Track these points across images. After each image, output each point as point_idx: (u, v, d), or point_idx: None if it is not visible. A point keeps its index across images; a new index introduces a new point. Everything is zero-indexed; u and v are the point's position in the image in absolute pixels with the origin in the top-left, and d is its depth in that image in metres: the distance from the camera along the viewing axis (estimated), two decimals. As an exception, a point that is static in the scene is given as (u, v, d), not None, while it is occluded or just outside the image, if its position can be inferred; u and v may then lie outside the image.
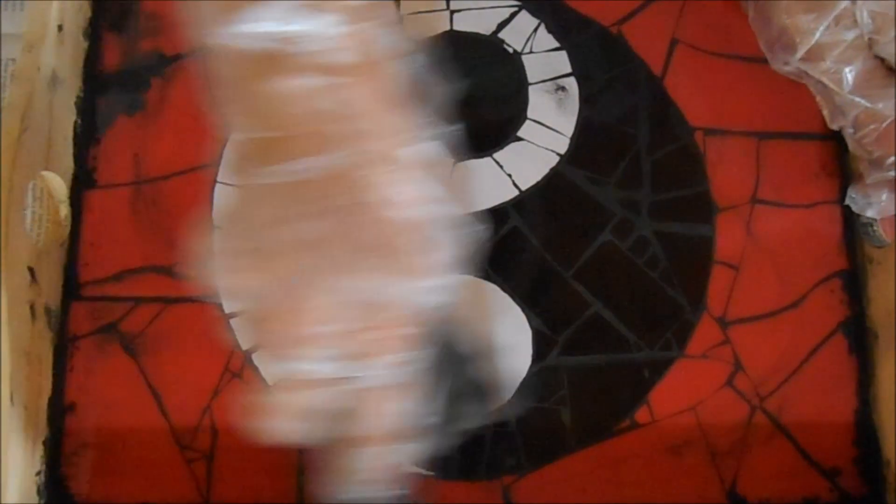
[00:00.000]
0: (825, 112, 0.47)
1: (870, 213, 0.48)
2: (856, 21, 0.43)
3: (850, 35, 0.43)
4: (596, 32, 0.52)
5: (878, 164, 0.46)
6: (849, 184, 0.49)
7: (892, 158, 0.44)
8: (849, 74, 0.43)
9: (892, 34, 0.43)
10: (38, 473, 0.46)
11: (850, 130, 0.45)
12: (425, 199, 0.33)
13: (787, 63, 0.45)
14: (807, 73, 0.45)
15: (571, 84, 0.51)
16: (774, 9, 0.45)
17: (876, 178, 0.46)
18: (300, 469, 0.47)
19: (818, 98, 0.47)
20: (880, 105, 0.43)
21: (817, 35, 0.43)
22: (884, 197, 0.47)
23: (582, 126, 0.51)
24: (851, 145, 0.46)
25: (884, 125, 0.44)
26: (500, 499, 0.47)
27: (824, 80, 0.44)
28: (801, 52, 0.44)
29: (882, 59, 0.44)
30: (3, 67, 0.53)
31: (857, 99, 0.44)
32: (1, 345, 0.43)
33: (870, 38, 0.43)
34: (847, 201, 0.49)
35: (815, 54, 0.44)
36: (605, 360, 0.48)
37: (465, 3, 0.52)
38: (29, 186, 0.46)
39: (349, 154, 0.32)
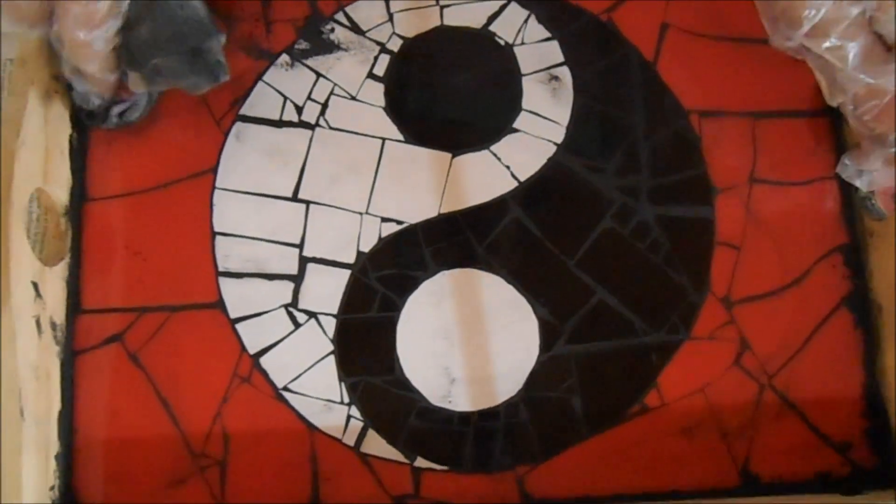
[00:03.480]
0: (824, 88, 0.47)
1: (859, 183, 0.48)
2: None
3: (854, 11, 0.43)
4: (586, 21, 0.52)
5: (879, 140, 0.46)
6: (845, 158, 0.50)
7: (894, 135, 0.44)
8: (851, 51, 0.43)
9: (893, 12, 0.43)
10: (51, 488, 0.46)
11: (851, 107, 0.45)
12: None
13: (789, 39, 0.45)
14: (808, 50, 0.45)
15: (564, 73, 0.51)
16: None
17: (878, 155, 0.46)
18: (314, 473, 0.48)
19: (817, 74, 0.47)
20: (881, 81, 0.43)
21: (823, 11, 0.43)
22: (877, 166, 0.47)
23: (577, 114, 0.51)
24: (853, 122, 0.46)
25: (884, 101, 0.44)
26: (515, 490, 0.47)
27: (827, 56, 0.44)
28: (806, 28, 0.44)
29: (880, 36, 0.44)
30: (2, 67, 0.53)
31: (860, 75, 0.44)
32: (6, 360, 0.43)
33: (871, 16, 0.43)
34: (839, 168, 0.49)
35: (819, 30, 0.43)
36: (612, 346, 0.48)
37: (454, -3, 0.52)
38: (28, 201, 0.46)
39: None
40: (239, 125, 0.51)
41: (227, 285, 0.49)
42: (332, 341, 0.48)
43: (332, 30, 0.52)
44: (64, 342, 0.48)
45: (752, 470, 0.48)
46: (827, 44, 0.43)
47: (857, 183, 0.48)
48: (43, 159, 0.48)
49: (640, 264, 0.49)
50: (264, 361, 0.48)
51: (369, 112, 0.51)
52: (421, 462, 0.48)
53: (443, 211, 0.50)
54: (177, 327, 0.49)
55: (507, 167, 0.50)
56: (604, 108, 0.51)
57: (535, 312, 0.49)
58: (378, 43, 0.51)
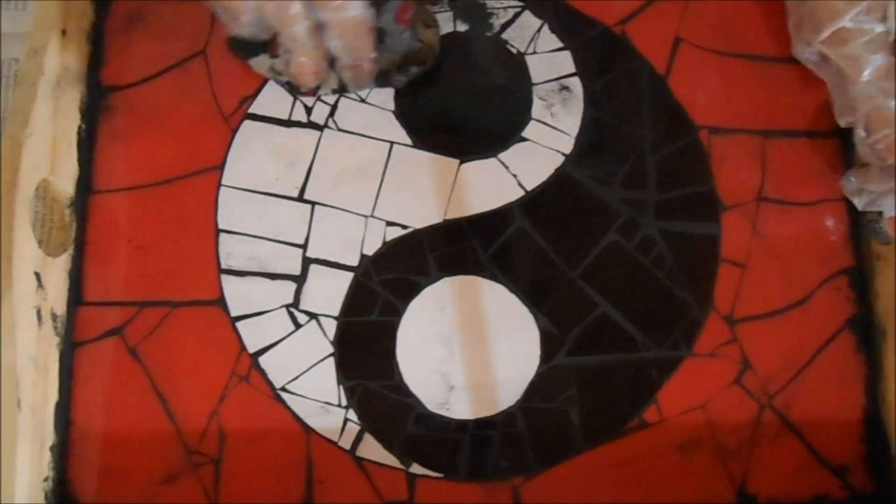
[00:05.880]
0: (835, 106, 0.47)
1: (857, 201, 0.48)
2: (885, 17, 0.43)
3: (878, 28, 0.43)
4: (599, 32, 0.52)
5: (889, 171, 0.45)
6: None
7: None
8: (869, 64, 0.43)
9: None
10: (45, 479, 0.46)
11: (863, 133, 0.45)
12: None
13: (809, 44, 0.45)
14: (825, 61, 0.45)
15: (575, 84, 0.51)
16: None
17: (884, 181, 0.45)
18: (308, 475, 0.47)
19: (830, 89, 0.47)
20: (892, 104, 0.43)
21: (846, 18, 0.43)
22: (880, 189, 0.46)
23: (586, 126, 0.51)
24: (863, 150, 0.46)
25: None
26: (510, 499, 0.47)
27: (843, 65, 0.44)
28: (826, 33, 0.43)
29: None
30: (3, 67, 0.53)
31: (873, 91, 0.43)
32: (6, 350, 0.43)
33: (895, 38, 0.43)
34: (843, 181, 0.48)
35: (840, 37, 0.43)
36: (612, 359, 0.48)
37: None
38: (34, 191, 0.46)
39: None
40: (247, 123, 0.51)
41: (228, 283, 0.49)
42: (332, 343, 0.48)
43: (345, 31, 0.51)
44: (64, 334, 0.48)
45: (748, 490, 0.47)
46: (846, 52, 0.43)
47: (856, 201, 0.48)
48: (50, 150, 0.48)
49: (643, 278, 0.49)
50: (263, 361, 0.48)
51: (378, 115, 0.51)
52: (416, 468, 0.47)
53: (448, 217, 0.50)
54: (177, 323, 0.49)
55: (514, 176, 0.50)
56: (613, 120, 0.51)
57: (537, 323, 0.49)
58: (390, 46, 0.51)
